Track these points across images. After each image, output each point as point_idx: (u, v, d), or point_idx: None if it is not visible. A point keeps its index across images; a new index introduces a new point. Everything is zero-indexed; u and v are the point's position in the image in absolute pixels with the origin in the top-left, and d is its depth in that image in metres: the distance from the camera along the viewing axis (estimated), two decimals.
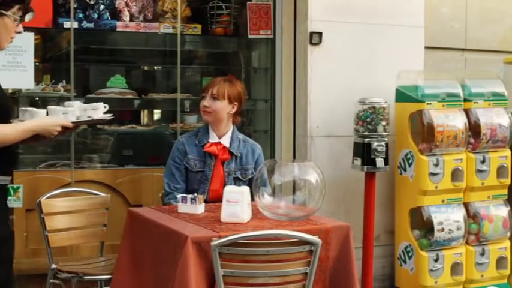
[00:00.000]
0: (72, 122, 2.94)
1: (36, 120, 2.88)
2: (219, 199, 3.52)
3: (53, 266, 3.74)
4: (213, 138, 3.77)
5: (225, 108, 3.75)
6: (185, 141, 3.81)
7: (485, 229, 4.73)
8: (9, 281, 2.75)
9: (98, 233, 4.00)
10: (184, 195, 3.31)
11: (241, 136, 3.86)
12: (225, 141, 3.77)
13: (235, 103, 3.77)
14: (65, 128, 2.89)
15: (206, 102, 3.72)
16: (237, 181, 3.74)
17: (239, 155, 3.78)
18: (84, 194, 4.08)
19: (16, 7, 2.80)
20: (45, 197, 3.85)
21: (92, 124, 3.31)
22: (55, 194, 3.97)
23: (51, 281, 3.76)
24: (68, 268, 3.72)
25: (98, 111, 3.09)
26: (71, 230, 3.91)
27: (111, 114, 3.16)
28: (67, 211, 3.90)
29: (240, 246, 2.76)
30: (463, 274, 4.66)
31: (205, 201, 3.58)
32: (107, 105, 3.15)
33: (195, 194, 3.29)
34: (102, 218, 3.99)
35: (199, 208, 3.25)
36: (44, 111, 2.98)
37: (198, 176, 3.73)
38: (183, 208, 3.26)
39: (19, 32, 2.85)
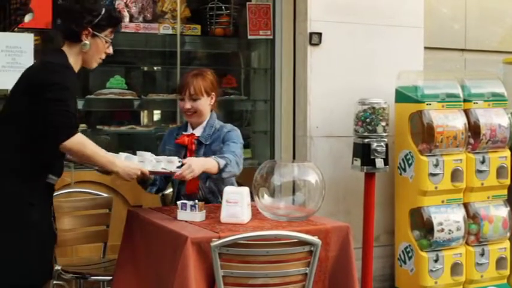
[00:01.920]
0: (149, 171, 3.23)
1: (121, 161, 3.16)
2: (194, 192, 3.55)
3: (57, 267, 3.73)
4: (189, 130, 3.71)
5: (206, 104, 3.66)
6: (168, 132, 3.82)
7: (485, 229, 4.73)
8: (49, 270, 3.04)
9: (101, 233, 4.00)
10: (184, 201, 3.21)
11: (218, 125, 3.72)
12: (198, 131, 3.69)
13: (213, 93, 3.68)
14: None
15: (188, 105, 3.63)
16: None
17: (207, 142, 3.66)
18: (86, 194, 4.09)
19: (109, 30, 3.10)
20: None
21: (165, 175, 3.50)
22: (59, 194, 3.96)
23: (55, 282, 3.76)
24: (73, 269, 3.72)
25: (173, 164, 3.30)
26: (74, 230, 3.91)
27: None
28: (71, 212, 3.89)
29: (239, 247, 2.76)
30: (462, 274, 4.66)
31: (183, 195, 3.56)
32: (181, 160, 3.34)
33: (196, 201, 3.20)
34: (105, 218, 3.99)
35: (199, 216, 3.16)
36: (123, 154, 3.24)
37: None
38: (183, 215, 3.18)
39: (109, 53, 3.13)
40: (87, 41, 3.03)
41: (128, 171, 3.12)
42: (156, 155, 3.68)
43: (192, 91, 3.62)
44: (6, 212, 2.88)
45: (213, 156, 3.46)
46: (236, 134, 3.70)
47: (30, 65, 3.35)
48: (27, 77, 3.00)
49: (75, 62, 3.04)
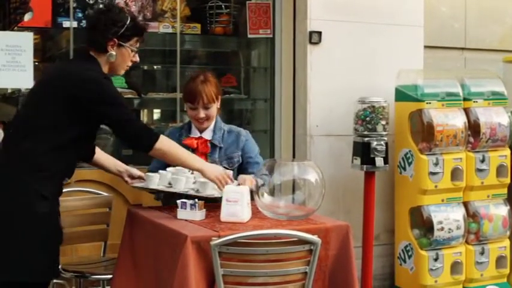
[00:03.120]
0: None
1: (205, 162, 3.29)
2: None
3: None
4: (195, 133, 3.71)
5: (216, 108, 3.69)
6: (169, 133, 3.79)
7: (485, 228, 4.73)
8: (52, 270, 3.08)
9: (101, 232, 4.00)
10: (184, 200, 3.20)
11: (226, 127, 3.75)
12: (207, 134, 3.69)
13: (219, 97, 3.71)
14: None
15: (201, 113, 3.63)
16: None
17: (222, 145, 3.68)
18: (87, 193, 4.08)
19: (134, 39, 3.15)
20: None
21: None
22: None
23: (55, 280, 3.76)
24: (73, 268, 3.72)
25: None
26: (75, 229, 3.91)
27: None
28: (71, 211, 3.89)
29: (239, 246, 2.76)
30: (462, 273, 4.67)
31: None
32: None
33: (196, 200, 3.19)
34: (105, 217, 3.99)
35: (198, 215, 3.15)
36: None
37: None
38: (182, 214, 3.18)
39: (135, 62, 3.21)
40: (113, 52, 3.08)
41: (215, 173, 3.20)
42: None
43: (206, 100, 3.62)
44: (17, 203, 2.90)
45: (253, 176, 3.48)
46: (254, 142, 3.78)
47: (60, 67, 3.36)
48: (66, 82, 2.98)
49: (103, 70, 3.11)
